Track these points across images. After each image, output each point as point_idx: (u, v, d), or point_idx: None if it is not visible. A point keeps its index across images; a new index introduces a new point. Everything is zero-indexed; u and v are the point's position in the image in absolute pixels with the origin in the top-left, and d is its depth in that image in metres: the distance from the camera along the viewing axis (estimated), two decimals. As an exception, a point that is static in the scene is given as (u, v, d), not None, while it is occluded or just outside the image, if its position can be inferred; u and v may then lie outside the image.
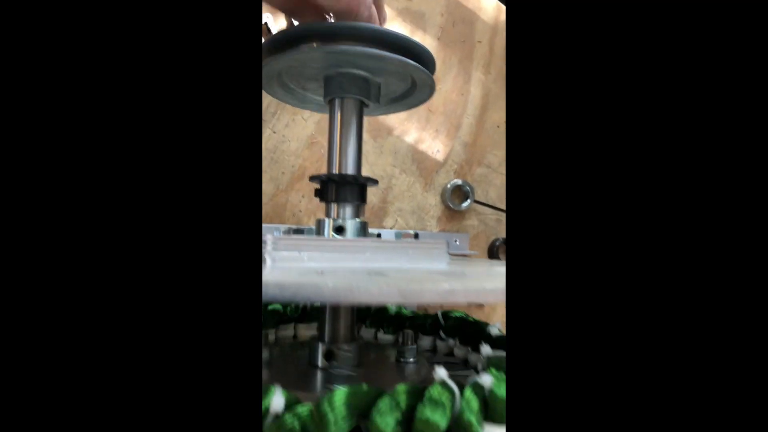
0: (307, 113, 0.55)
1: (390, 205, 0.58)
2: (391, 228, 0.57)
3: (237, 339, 0.16)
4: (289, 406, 0.21)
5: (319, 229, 0.35)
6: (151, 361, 0.15)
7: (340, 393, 0.21)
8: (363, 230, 0.35)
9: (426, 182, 0.59)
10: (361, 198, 0.35)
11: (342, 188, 0.34)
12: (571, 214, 0.17)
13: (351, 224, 0.34)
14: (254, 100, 0.17)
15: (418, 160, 0.59)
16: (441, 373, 0.23)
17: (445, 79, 0.61)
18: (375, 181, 0.35)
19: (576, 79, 0.18)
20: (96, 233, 0.15)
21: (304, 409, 0.21)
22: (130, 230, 0.15)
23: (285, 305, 0.48)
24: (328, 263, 0.28)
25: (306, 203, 0.54)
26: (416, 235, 0.32)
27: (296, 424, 0.20)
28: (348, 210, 0.35)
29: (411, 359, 0.36)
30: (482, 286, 0.18)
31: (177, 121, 0.16)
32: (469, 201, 0.59)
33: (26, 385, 0.14)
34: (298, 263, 0.27)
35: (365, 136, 0.58)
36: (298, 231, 0.31)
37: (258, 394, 0.16)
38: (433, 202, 0.60)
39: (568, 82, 0.18)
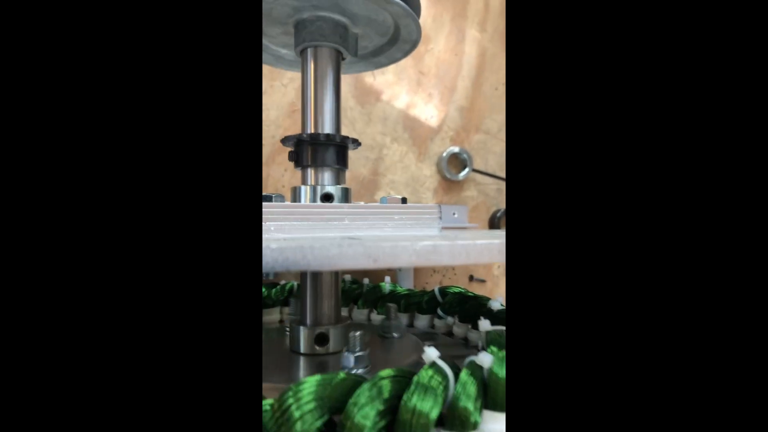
0: (286, 78, 0.50)
1: (381, 177, 0.54)
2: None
3: (236, 325, 0.15)
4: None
5: (296, 199, 0.31)
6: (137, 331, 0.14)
7: (309, 382, 0.18)
8: (346, 198, 0.31)
9: (420, 151, 0.55)
10: (342, 161, 0.31)
11: (318, 150, 0.30)
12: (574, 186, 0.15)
13: (330, 191, 0.30)
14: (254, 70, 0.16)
15: (411, 127, 0.55)
16: (431, 353, 0.19)
17: (437, 38, 0.56)
18: (357, 142, 0.31)
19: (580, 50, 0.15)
20: (90, 205, 0.15)
21: (265, 403, 0.17)
22: (128, 207, 0.15)
23: (269, 288, 0.45)
24: (298, 233, 0.24)
25: (289, 177, 0.50)
26: (404, 200, 0.28)
27: (255, 422, 0.17)
28: (327, 175, 0.31)
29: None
30: (472, 242, 0.14)
31: (175, 94, 0.15)
32: (467, 170, 0.55)
33: (23, 380, 0.14)
34: (264, 235, 0.23)
35: (351, 101, 0.53)
36: (266, 199, 0.27)
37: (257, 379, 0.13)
38: (428, 172, 0.55)
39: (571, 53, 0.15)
